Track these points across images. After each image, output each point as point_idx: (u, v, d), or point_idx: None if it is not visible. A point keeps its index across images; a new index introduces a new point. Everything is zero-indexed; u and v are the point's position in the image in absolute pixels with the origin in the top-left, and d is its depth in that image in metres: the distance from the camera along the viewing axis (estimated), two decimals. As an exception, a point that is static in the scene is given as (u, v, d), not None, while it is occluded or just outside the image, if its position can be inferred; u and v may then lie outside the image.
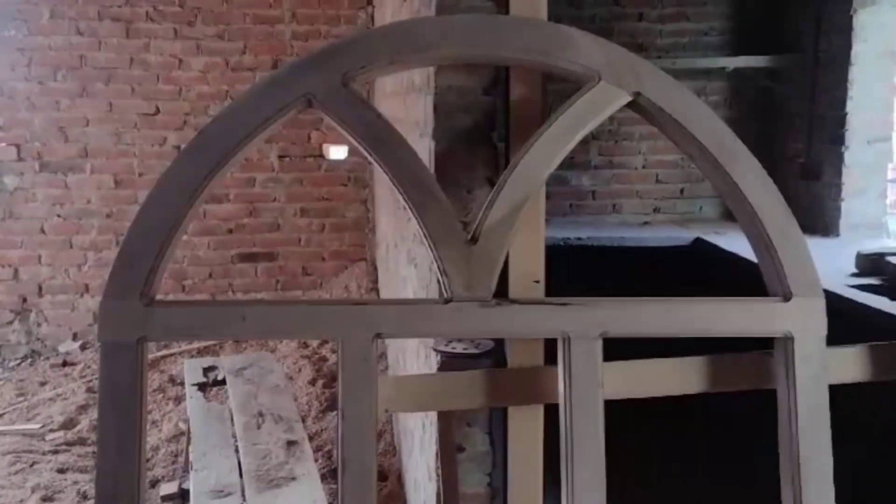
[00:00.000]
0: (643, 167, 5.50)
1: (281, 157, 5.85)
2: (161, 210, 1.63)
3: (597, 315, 1.67)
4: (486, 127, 1.96)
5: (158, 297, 1.66)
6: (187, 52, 5.67)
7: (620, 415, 1.87)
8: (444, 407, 1.86)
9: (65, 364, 5.51)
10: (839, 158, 4.72)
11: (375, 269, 5.85)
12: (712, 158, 1.71)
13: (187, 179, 1.63)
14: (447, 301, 1.67)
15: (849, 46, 4.59)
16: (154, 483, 3.85)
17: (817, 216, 4.88)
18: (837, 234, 4.72)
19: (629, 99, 1.70)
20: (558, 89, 1.80)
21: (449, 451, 1.95)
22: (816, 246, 4.42)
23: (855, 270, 3.84)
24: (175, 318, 1.63)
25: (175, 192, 1.63)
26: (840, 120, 4.69)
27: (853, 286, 3.53)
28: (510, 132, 1.83)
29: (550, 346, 1.73)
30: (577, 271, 4.58)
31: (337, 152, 5.65)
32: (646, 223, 5.45)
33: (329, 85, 1.65)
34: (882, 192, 4.77)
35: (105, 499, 1.58)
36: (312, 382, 4.79)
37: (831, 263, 3.97)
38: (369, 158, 1.68)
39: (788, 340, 1.70)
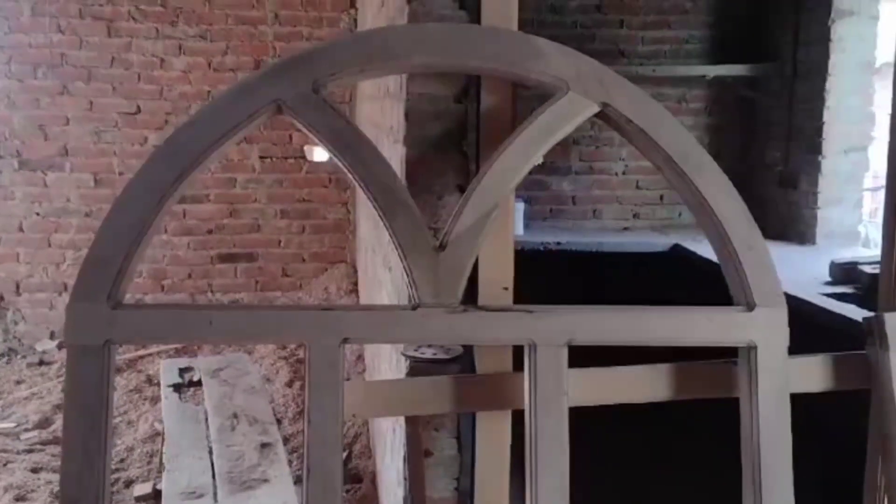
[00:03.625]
0: (623, 173, 5.53)
1: (262, 157, 5.84)
2: (129, 213, 1.63)
3: (563, 322, 1.69)
4: (457, 134, 1.98)
5: (132, 298, 1.67)
6: (169, 51, 5.66)
7: (588, 421, 1.89)
8: (412, 412, 1.87)
9: (41, 363, 5.48)
10: (816, 167, 4.76)
11: (355, 271, 5.86)
12: (678, 168, 1.73)
13: (156, 183, 1.64)
14: (415, 307, 1.68)
15: (827, 57, 4.63)
16: (129, 483, 3.84)
17: (794, 224, 4.93)
18: (814, 243, 4.77)
19: (597, 109, 1.72)
20: (536, 95, 1.81)
21: (416, 456, 1.96)
22: (792, 254, 4.51)
23: (829, 279, 3.88)
24: (142, 321, 1.64)
25: (144, 195, 1.63)
26: (817, 129, 4.73)
27: (826, 294, 3.56)
28: (480, 140, 1.84)
29: (519, 353, 1.75)
30: (556, 276, 4.61)
31: (318, 154, 5.66)
32: (625, 229, 5.49)
33: (299, 91, 1.66)
34: (858, 202, 4.82)
35: (69, 501, 1.59)
36: (290, 384, 4.80)
37: (806, 271, 4.01)
38: (339, 164, 1.69)
39: (752, 350, 1.72)
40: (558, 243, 4.91)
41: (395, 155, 2.22)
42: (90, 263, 1.63)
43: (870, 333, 1.82)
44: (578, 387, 1.73)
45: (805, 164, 4.86)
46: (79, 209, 5.72)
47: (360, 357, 4.81)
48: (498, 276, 1.82)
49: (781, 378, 1.71)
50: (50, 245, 5.75)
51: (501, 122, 1.83)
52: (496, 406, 1.81)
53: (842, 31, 4.59)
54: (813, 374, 1.83)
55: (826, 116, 4.68)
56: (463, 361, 1.93)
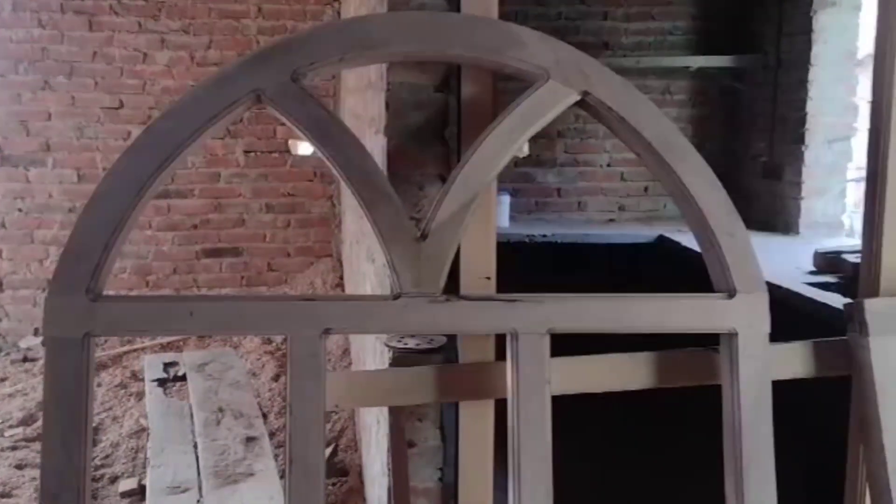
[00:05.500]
0: (608, 165, 5.53)
1: (247, 152, 5.82)
2: (107, 206, 1.62)
3: (544, 311, 1.69)
4: (438, 124, 1.97)
5: (109, 292, 1.66)
6: (151, 46, 5.62)
7: (575, 411, 1.90)
8: (394, 402, 1.87)
9: (25, 360, 5.44)
10: (800, 158, 4.77)
11: (341, 265, 5.84)
12: (659, 157, 1.73)
13: (134, 175, 1.63)
14: (396, 297, 1.68)
15: (809, 47, 4.64)
16: (114, 479, 3.82)
17: (778, 214, 4.94)
18: (798, 233, 4.78)
19: (578, 98, 1.72)
20: (520, 88, 1.80)
21: (400, 447, 1.95)
22: (776, 244, 4.52)
23: (813, 268, 3.89)
24: (121, 313, 1.63)
25: (122, 188, 1.63)
26: (801, 120, 4.74)
27: (810, 283, 3.57)
28: (461, 130, 1.84)
29: (501, 342, 1.75)
30: (541, 268, 4.62)
31: (303, 148, 5.63)
32: (611, 221, 5.49)
33: (278, 81, 1.65)
34: (842, 192, 4.84)
35: (49, 496, 1.58)
36: (276, 379, 4.77)
37: (790, 261, 4.02)
38: (320, 154, 1.68)
39: (733, 336, 1.72)
40: (544, 236, 4.91)
41: (376, 145, 2.21)
42: (68, 256, 1.62)
43: (850, 320, 1.83)
44: (561, 375, 1.73)
45: (789, 154, 4.87)
46: (62, 205, 5.69)
47: (347, 351, 4.80)
48: (480, 266, 1.82)
49: (763, 364, 1.72)
50: (33, 241, 5.71)
51: (482, 111, 1.82)
52: (479, 395, 1.80)
53: (824, 22, 4.60)
54: (794, 360, 1.84)
55: (809, 107, 4.69)
56: (446, 351, 1.93)
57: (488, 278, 1.83)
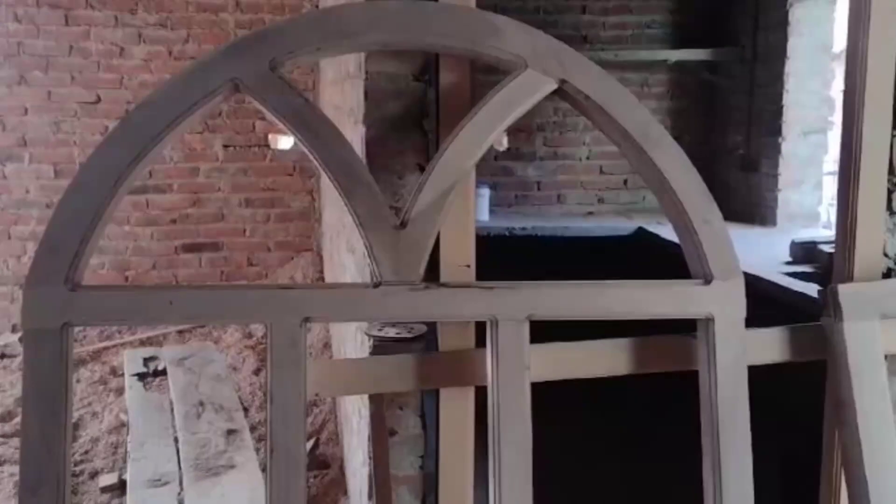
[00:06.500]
0: (587, 158, 5.57)
1: (226, 146, 5.80)
2: (85, 196, 1.61)
3: (523, 298, 1.70)
4: (416, 113, 1.97)
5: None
6: (129, 40, 5.58)
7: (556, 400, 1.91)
8: (375, 390, 1.87)
9: (3, 356, 5.40)
10: (776, 150, 4.83)
11: (321, 259, 5.84)
12: (636, 145, 1.74)
13: (111, 166, 1.62)
14: (376, 285, 1.68)
15: (785, 41, 4.69)
16: (94, 475, 3.80)
17: (756, 206, 4.99)
18: (775, 224, 4.84)
19: (555, 86, 1.72)
20: (496, 81, 1.81)
21: (380, 435, 1.96)
22: (754, 235, 4.58)
23: (789, 258, 3.94)
24: (100, 303, 1.62)
25: (98, 178, 1.61)
26: (777, 112, 4.79)
27: (787, 273, 3.62)
28: (440, 119, 1.84)
29: (481, 329, 1.75)
30: (521, 261, 4.62)
31: (283, 142, 5.61)
32: (590, 213, 5.52)
33: (256, 70, 1.64)
34: (818, 184, 4.89)
35: (29, 489, 1.57)
36: (256, 373, 4.77)
37: (767, 252, 4.07)
38: (299, 144, 1.68)
39: (710, 322, 1.74)
40: (524, 229, 4.94)
41: (355, 136, 2.21)
42: (46, 246, 1.62)
43: (825, 305, 1.85)
44: (540, 362, 1.74)
45: (765, 147, 4.93)
46: (39, 201, 5.64)
47: (328, 344, 4.80)
48: (459, 254, 1.82)
49: (739, 349, 1.74)
50: (10, 237, 5.67)
51: (460, 100, 1.82)
52: (459, 382, 1.81)
53: (799, 15, 4.65)
54: (770, 345, 1.86)
55: (785, 100, 4.75)
56: (426, 339, 1.94)
57: (468, 266, 1.84)
